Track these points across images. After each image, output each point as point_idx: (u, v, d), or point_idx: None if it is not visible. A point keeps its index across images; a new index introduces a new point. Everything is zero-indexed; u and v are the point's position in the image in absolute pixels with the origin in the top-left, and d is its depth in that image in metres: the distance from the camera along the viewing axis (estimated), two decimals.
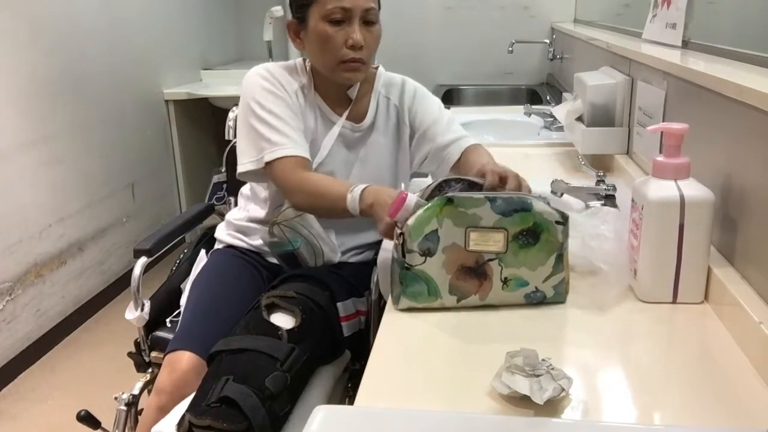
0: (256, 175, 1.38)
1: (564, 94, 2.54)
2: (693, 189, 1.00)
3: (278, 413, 1.08)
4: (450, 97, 3.63)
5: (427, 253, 1.02)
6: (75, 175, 2.85)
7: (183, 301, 1.49)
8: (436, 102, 1.50)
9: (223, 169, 1.91)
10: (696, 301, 1.04)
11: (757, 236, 0.97)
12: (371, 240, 1.49)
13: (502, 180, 1.08)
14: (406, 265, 1.02)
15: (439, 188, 1.08)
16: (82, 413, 1.53)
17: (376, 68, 1.48)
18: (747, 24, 1.42)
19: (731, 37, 1.39)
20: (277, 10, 3.18)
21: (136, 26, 3.34)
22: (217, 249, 1.58)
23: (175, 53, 3.75)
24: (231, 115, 1.94)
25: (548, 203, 1.03)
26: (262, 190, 1.51)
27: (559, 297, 1.05)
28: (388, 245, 1.14)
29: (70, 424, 1.60)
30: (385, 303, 1.11)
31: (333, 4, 1.29)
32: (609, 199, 1.37)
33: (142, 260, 1.54)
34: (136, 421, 1.48)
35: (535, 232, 1.01)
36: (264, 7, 3.35)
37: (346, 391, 1.42)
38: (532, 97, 3.52)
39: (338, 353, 1.34)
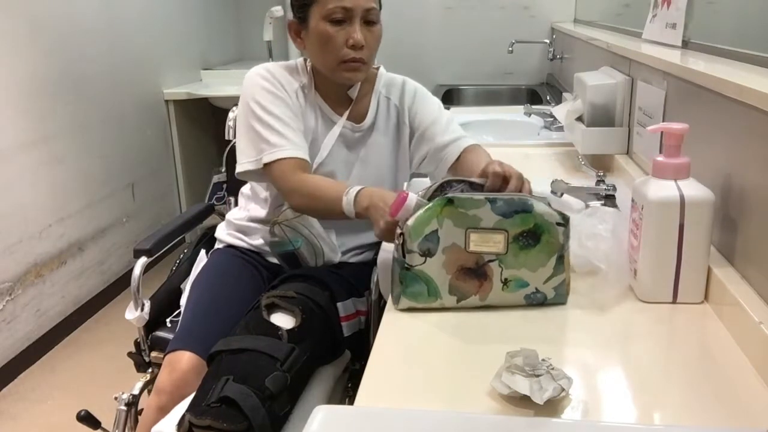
0: (255, 175, 1.38)
1: (564, 94, 2.54)
2: (693, 189, 1.00)
3: (278, 413, 1.08)
4: (450, 97, 3.63)
5: (427, 253, 1.02)
6: (75, 175, 2.85)
7: (183, 301, 1.50)
8: (436, 102, 1.50)
9: (223, 169, 1.92)
10: (696, 301, 1.04)
11: (757, 236, 0.97)
12: (372, 240, 1.49)
13: (505, 182, 1.08)
14: (406, 265, 1.02)
15: (441, 189, 1.08)
16: (82, 413, 1.53)
17: (377, 69, 1.49)
18: (747, 24, 1.42)
19: (731, 37, 1.39)
20: (277, 10, 3.18)
21: (136, 26, 3.33)
22: (217, 249, 1.58)
23: (175, 53, 3.75)
24: (231, 115, 1.94)
25: (549, 204, 1.03)
26: (263, 190, 1.51)
27: (559, 298, 1.05)
28: (388, 246, 1.14)
29: (70, 424, 1.60)
30: (385, 303, 1.11)
31: (334, 3, 1.29)
32: (609, 199, 1.37)
33: (142, 260, 1.55)
34: (136, 421, 1.48)
35: (536, 233, 1.01)
36: (264, 7, 3.35)
37: (346, 391, 1.42)
38: (532, 97, 3.52)
39: (338, 353, 1.34)
